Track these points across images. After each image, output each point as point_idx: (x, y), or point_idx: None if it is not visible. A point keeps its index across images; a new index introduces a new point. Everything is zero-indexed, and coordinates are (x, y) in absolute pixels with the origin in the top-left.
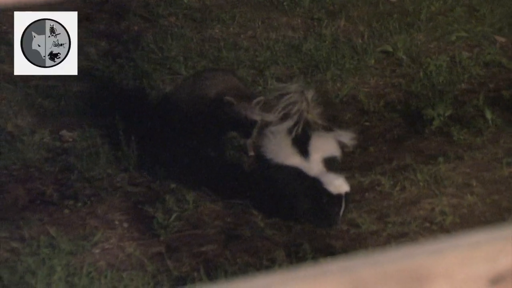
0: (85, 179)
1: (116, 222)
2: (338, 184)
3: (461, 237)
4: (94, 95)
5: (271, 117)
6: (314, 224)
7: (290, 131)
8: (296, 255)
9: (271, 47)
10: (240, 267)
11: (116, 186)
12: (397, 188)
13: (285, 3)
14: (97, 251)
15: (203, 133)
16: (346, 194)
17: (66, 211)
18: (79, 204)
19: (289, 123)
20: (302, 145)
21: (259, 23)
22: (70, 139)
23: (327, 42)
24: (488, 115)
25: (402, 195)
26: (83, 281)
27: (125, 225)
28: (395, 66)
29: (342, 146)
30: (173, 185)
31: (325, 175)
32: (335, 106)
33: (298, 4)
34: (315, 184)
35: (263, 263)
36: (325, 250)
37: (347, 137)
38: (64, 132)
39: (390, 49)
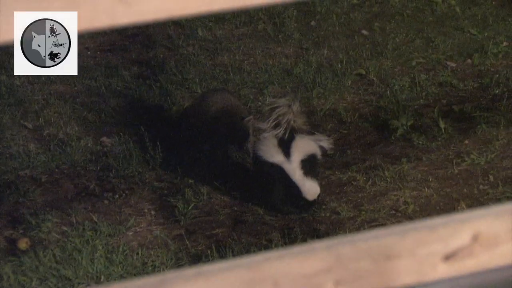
0: (121, 176)
1: (146, 211)
2: (313, 192)
3: (420, 222)
4: (128, 109)
5: (264, 125)
6: (290, 213)
7: (277, 135)
8: (289, 236)
9: (269, 71)
10: (244, 246)
11: (146, 182)
12: (369, 183)
13: (279, 36)
14: (130, 233)
15: (212, 140)
16: (318, 195)
17: (106, 201)
18: (116, 196)
19: (279, 129)
20: (286, 146)
21: (259, 52)
22: (109, 144)
23: (313, 67)
24: (442, 124)
25: (373, 189)
26: (119, 258)
27: (153, 212)
28: (367, 86)
29: (322, 150)
30: (191, 181)
31: (304, 182)
32: (319, 117)
33: (290, 36)
34: (294, 188)
35: (262, 243)
36: (312, 233)
37: (326, 142)
38: (104, 139)
39: (364, 72)
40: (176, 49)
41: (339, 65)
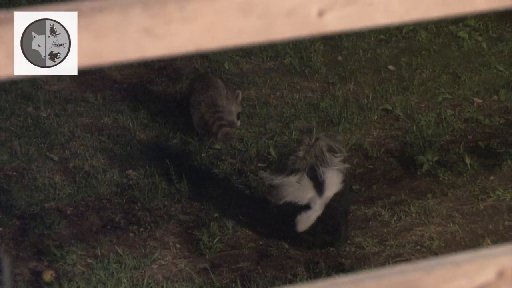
0: (146, 209)
1: (171, 244)
2: (302, 224)
3: (445, 258)
4: (154, 142)
5: (278, 176)
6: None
7: (312, 174)
8: (314, 271)
9: (295, 105)
10: (269, 280)
11: (171, 215)
12: (395, 218)
13: (306, 71)
14: (155, 266)
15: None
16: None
17: (131, 234)
18: (141, 229)
19: (296, 174)
20: (319, 186)
21: (286, 86)
22: (135, 177)
23: (339, 101)
24: (467, 160)
25: (399, 224)
26: None
27: (178, 246)
28: (393, 121)
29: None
30: (216, 214)
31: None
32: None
33: (317, 71)
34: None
35: (287, 277)
36: (337, 267)
37: (341, 164)
38: (130, 172)
39: (390, 108)
40: None
41: (365, 100)
